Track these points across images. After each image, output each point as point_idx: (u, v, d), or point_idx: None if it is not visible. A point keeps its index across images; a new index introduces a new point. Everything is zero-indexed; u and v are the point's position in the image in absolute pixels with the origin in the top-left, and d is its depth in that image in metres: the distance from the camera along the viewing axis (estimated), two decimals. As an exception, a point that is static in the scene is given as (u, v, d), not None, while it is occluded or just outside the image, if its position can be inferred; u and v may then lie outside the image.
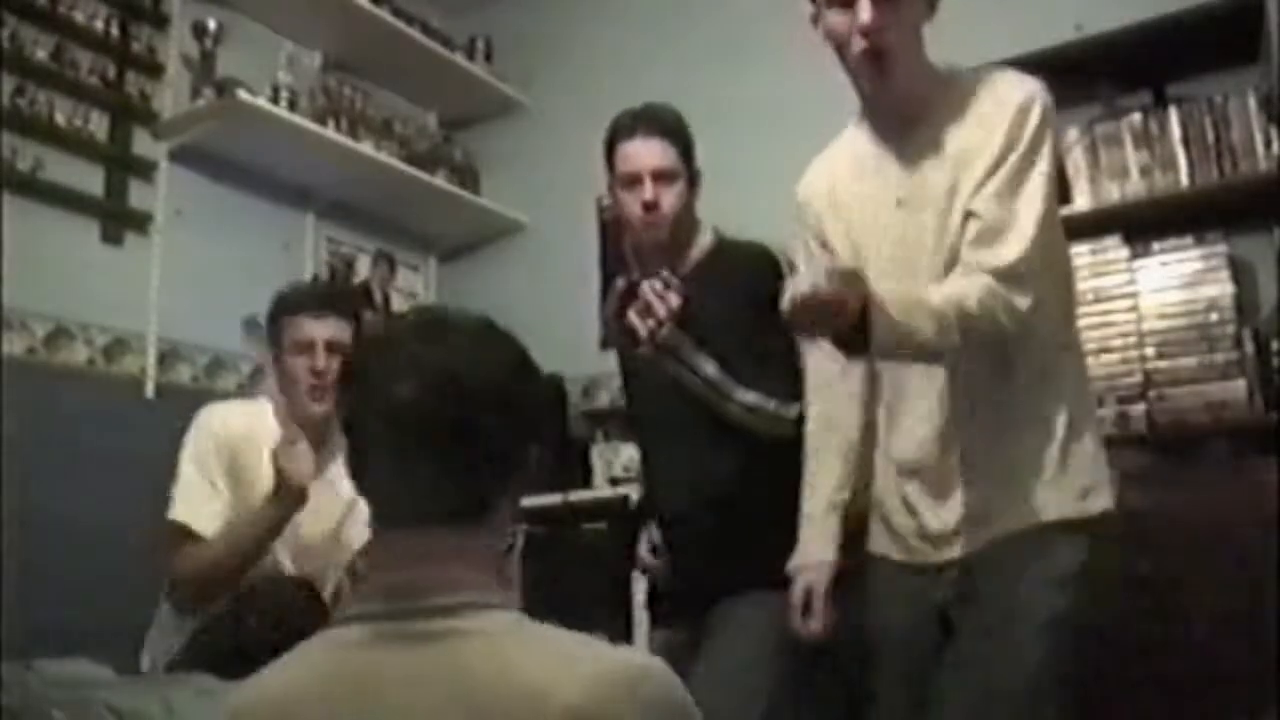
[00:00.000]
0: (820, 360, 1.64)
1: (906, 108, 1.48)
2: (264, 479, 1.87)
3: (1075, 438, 1.43)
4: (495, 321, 1.00)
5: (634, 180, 1.84)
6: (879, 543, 1.58)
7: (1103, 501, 1.42)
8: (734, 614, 1.73)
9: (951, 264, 1.40)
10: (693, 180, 1.89)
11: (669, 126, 1.87)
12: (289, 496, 1.83)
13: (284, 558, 1.97)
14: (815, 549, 1.61)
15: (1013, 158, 1.38)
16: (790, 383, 1.74)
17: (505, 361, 0.95)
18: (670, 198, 1.84)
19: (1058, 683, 1.36)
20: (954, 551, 1.45)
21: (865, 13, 1.37)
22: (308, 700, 0.86)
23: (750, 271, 1.84)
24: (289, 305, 2.03)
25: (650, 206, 1.83)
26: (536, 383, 1.01)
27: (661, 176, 1.83)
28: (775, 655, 1.68)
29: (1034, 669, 1.34)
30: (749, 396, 1.76)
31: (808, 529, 1.63)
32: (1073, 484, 1.41)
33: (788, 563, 1.62)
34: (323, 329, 1.98)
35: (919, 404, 1.48)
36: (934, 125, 1.46)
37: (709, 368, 1.75)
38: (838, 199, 1.57)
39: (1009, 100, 1.40)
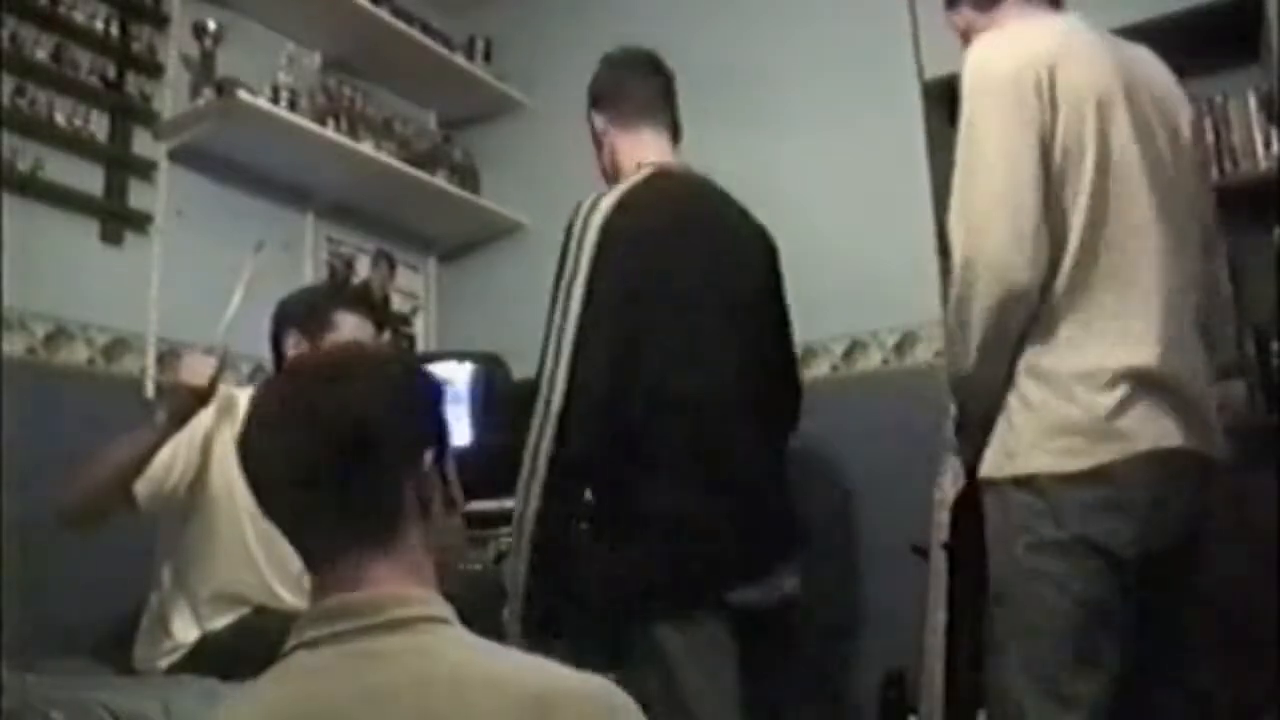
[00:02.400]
0: None
1: None
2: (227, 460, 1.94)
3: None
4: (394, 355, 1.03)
5: None
6: None
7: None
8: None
9: None
10: (599, 136, 1.98)
11: None
12: (175, 397, 1.88)
13: (280, 589, 1.98)
14: None
15: None
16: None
17: (382, 388, 0.98)
18: None
19: None
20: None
21: None
22: None
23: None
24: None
25: None
26: (420, 392, 1.03)
27: None
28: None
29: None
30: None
31: None
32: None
33: None
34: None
35: None
36: None
37: None
38: None
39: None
